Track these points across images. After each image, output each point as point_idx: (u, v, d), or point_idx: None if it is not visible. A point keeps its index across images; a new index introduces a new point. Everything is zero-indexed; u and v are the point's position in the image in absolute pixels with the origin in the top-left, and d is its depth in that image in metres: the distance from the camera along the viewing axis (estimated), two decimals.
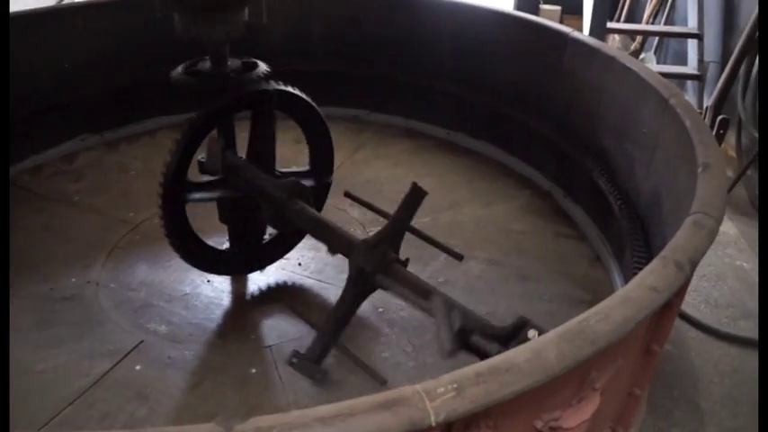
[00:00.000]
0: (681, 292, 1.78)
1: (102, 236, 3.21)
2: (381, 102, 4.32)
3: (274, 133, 2.74)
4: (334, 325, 2.37)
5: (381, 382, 2.38)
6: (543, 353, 1.16)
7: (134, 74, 3.98)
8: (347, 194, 2.74)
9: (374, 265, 2.25)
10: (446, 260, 3.00)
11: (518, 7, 8.19)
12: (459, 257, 2.49)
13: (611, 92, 3.11)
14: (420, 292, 2.16)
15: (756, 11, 4.30)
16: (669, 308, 1.78)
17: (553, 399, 1.36)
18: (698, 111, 4.84)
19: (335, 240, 2.47)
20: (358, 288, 2.34)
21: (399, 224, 2.39)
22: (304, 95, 2.75)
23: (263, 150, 2.73)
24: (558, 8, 7.90)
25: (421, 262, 3.02)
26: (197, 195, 2.69)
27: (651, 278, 1.44)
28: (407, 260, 2.37)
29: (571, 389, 1.43)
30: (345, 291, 2.37)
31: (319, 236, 2.56)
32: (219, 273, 2.92)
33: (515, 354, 1.15)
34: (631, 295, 1.37)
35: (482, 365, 1.12)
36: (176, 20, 2.47)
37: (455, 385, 1.07)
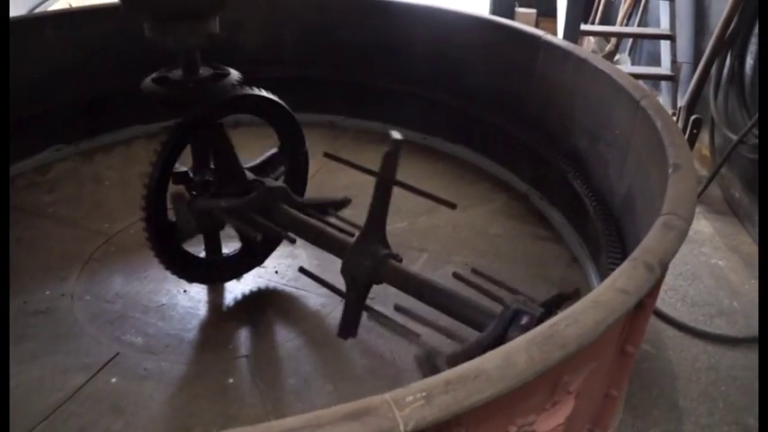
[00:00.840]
0: (653, 293, 1.79)
1: (77, 248, 3.18)
2: (357, 107, 4.32)
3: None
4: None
5: (414, 338, 2.30)
6: (512, 358, 1.16)
7: (108, 83, 3.95)
8: (326, 155, 2.69)
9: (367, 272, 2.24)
10: (423, 264, 3.02)
11: (494, 10, 8.26)
12: (452, 206, 2.37)
13: (584, 94, 3.13)
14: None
15: (726, 11, 4.36)
16: (642, 309, 1.79)
17: (526, 403, 1.36)
18: (672, 111, 4.89)
19: (327, 242, 2.46)
20: (355, 293, 2.32)
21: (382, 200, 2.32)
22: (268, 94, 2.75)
23: (230, 158, 2.71)
24: (534, 11, 7.96)
25: None
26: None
27: (621, 280, 1.45)
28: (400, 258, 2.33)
29: (544, 393, 1.43)
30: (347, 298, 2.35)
31: (310, 239, 2.55)
32: (201, 282, 2.90)
33: (484, 360, 1.15)
34: (601, 298, 1.37)
35: (452, 373, 1.12)
36: (146, 28, 2.45)
37: (424, 393, 1.06)
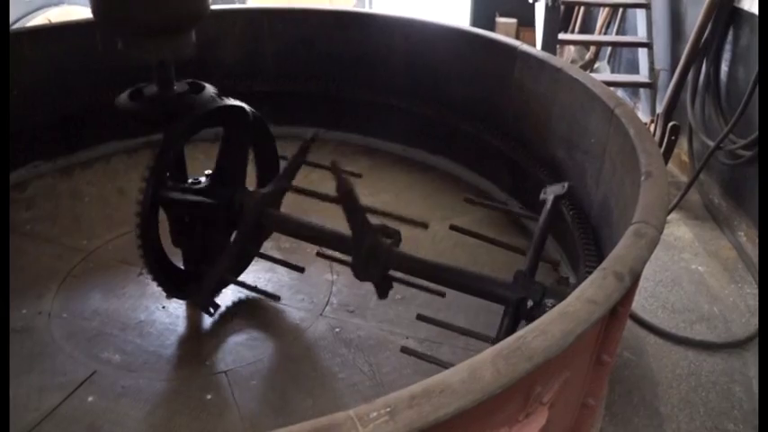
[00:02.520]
0: (626, 301, 1.79)
1: (55, 265, 3.15)
2: (338, 120, 4.32)
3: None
4: None
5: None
6: (478, 372, 1.16)
7: (85, 99, 3.92)
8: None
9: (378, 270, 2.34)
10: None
11: (474, 20, 8.31)
12: (424, 226, 2.42)
13: (560, 103, 3.15)
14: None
15: (699, 19, 4.41)
16: (616, 317, 1.79)
17: (496, 416, 1.36)
18: (651, 118, 4.93)
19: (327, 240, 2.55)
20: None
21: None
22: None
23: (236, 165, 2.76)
24: (514, 21, 8.02)
25: None
26: None
27: (590, 291, 1.46)
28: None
29: (516, 405, 1.43)
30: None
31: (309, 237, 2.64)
32: (181, 297, 2.89)
33: (450, 374, 1.15)
34: (569, 309, 1.37)
35: (417, 387, 1.12)
36: (120, 45, 2.45)
37: (388, 409, 1.06)
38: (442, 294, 2.48)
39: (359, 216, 2.32)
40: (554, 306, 1.78)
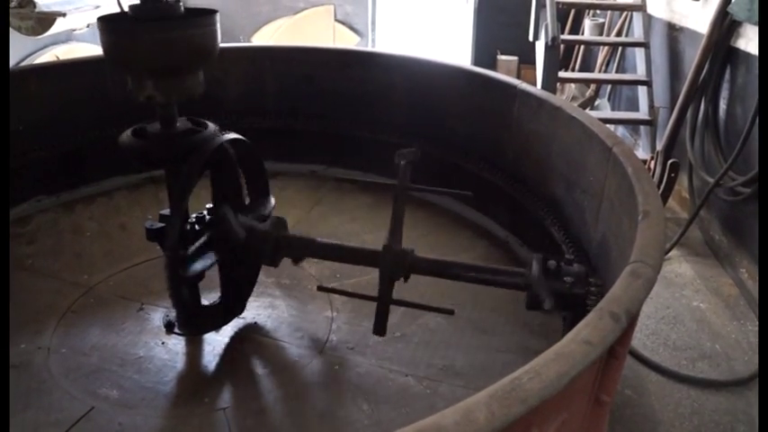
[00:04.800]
0: (624, 342, 1.79)
1: (55, 300, 3.15)
2: (338, 156, 4.36)
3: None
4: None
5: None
6: (472, 414, 1.16)
7: (89, 135, 3.97)
8: (320, 288, 2.92)
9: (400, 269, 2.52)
10: (402, 314, 3.01)
11: (476, 58, 8.42)
12: (450, 312, 2.62)
13: (559, 141, 3.18)
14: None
15: (697, 58, 4.47)
16: (614, 358, 1.78)
17: None
18: (651, 155, 4.96)
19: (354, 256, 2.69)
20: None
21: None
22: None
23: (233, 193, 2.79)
24: (515, 59, 8.12)
25: None
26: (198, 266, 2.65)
27: (585, 331, 1.45)
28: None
29: None
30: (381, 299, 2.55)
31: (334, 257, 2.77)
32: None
33: (443, 416, 1.14)
34: (564, 350, 1.37)
35: (410, 429, 1.11)
36: (129, 83, 2.49)
37: None
38: (451, 312, 2.61)
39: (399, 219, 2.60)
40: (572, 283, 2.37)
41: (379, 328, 2.57)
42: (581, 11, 7.45)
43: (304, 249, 2.75)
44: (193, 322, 2.86)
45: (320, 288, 2.89)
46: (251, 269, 2.96)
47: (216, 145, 2.56)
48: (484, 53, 8.34)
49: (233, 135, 2.67)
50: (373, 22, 9.20)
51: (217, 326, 2.91)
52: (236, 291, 2.90)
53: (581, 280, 2.43)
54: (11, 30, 5.69)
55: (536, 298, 2.45)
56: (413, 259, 2.53)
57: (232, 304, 2.92)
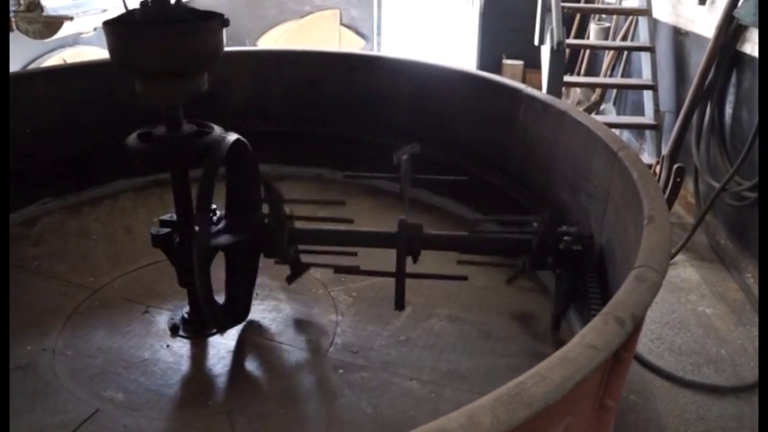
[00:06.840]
0: (629, 346, 1.78)
1: (60, 302, 3.16)
2: (343, 160, 4.36)
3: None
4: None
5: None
6: (477, 418, 1.15)
7: (95, 137, 4.00)
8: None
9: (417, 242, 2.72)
10: (407, 318, 3.01)
11: (481, 62, 8.42)
12: (464, 278, 2.93)
13: (564, 146, 3.18)
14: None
15: (703, 62, 4.46)
16: (620, 362, 1.78)
17: None
18: (656, 159, 4.95)
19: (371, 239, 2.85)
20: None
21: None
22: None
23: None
24: (521, 63, 8.11)
25: (382, 321, 3.02)
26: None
27: (590, 336, 1.45)
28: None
29: None
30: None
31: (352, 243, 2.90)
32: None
33: (448, 420, 1.14)
34: (569, 355, 1.37)
35: None
36: (137, 85, 2.50)
37: None
38: (465, 278, 2.92)
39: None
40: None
41: (399, 303, 2.74)
42: (586, 15, 7.44)
43: (318, 238, 2.84)
44: (217, 318, 2.83)
45: (338, 270, 3.04)
46: (254, 263, 3.01)
47: (230, 143, 2.57)
48: (489, 57, 8.33)
49: (234, 135, 2.68)
50: (379, 26, 9.22)
51: (228, 324, 2.91)
52: (240, 291, 2.91)
53: (577, 239, 2.69)
54: (19, 33, 5.73)
55: (540, 257, 2.72)
56: (426, 234, 2.75)
57: (237, 306, 2.93)
